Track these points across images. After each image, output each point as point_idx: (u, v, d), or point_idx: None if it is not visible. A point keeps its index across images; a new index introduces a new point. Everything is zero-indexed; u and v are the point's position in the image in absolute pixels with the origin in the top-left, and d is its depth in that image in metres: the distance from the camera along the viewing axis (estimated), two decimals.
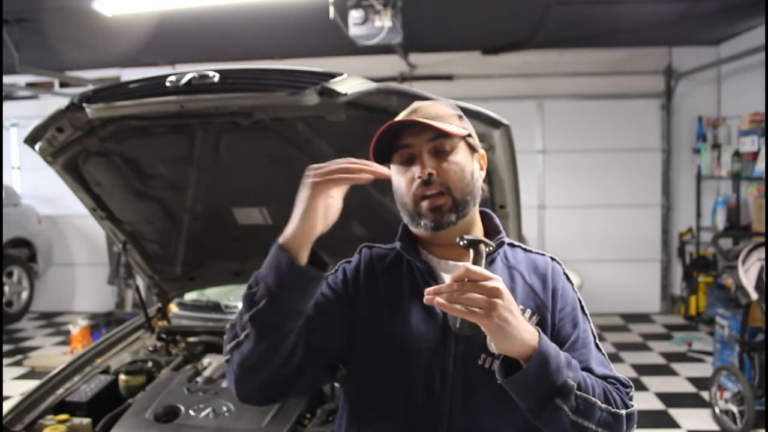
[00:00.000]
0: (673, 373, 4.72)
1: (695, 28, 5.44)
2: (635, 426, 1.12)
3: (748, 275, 3.53)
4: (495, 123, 1.66)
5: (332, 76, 1.57)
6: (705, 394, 4.10)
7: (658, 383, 4.48)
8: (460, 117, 1.23)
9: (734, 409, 3.51)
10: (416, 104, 1.22)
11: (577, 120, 6.42)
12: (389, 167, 1.20)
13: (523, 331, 1.00)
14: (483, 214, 1.28)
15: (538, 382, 1.01)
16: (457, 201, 1.16)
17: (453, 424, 1.13)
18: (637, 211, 6.47)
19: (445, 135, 1.16)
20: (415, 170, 1.15)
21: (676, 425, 3.80)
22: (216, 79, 1.57)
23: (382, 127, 1.15)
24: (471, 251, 1.07)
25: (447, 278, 1.17)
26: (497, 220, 1.28)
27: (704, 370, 4.60)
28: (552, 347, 1.04)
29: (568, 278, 1.26)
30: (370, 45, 4.13)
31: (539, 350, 1.01)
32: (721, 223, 5.66)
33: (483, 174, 1.24)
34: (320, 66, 1.66)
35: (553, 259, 1.28)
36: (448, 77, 6.45)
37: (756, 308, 3.52)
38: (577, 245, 6.35)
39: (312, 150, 1.93)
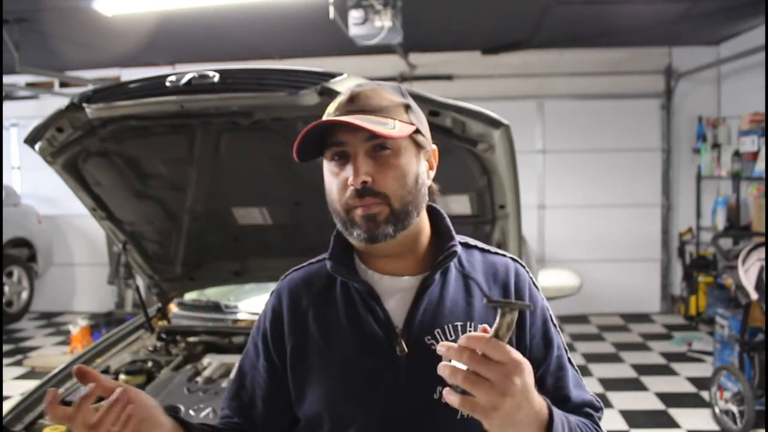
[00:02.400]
0: (673, 373, 4.72)
1: (695, 28, 5.44)
2: None
3: (748, 275, 3.53)
4: (495, 123, 1.66)
5: (332, 76, 1.57)
6: (705, 394, 4.10)
7: (658, 383, 4.47)
8: (407, 107, 1.02)
9: (734, 409, 3.51)
10: (355, 89, 1.01)
11: (577, 120, 6.42)
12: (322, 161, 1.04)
13: (530, 423, 0.82)
14: (432, 213, 1.09)
15: None
16: (395, 211, 0.97)
17: None
18: (637, 211, 6.47)
19: None
20: (348, 172, 0.97)
21: (676, 425, 3.80)
22: (216, 79, 1.58)
23: (309, 125, 0.96)
24: (497, 315, 0.79)
25: (390, 300, 1.03)
26: (448, 222, 1.08)
27: (704, 370, 4.60)
28: (559, 422, 0.87)
29: (534, 283, 1.10)
30: (370, 45, 4.12)
31: None
32: (721, 223, 5.66)
33: (433, 173, 1.07)
34: (320, 66, 1.67)
35: (514, 260, 1.11)
36: (448, 77, 6.45)
37: (756, 308, 3.52)
38: (577, 245, 6.34)
39: None
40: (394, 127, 0.96)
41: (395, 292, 1.04)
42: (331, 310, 1.05)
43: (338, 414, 1.01)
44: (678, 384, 4.48)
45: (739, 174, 5.32)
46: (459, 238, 1.09)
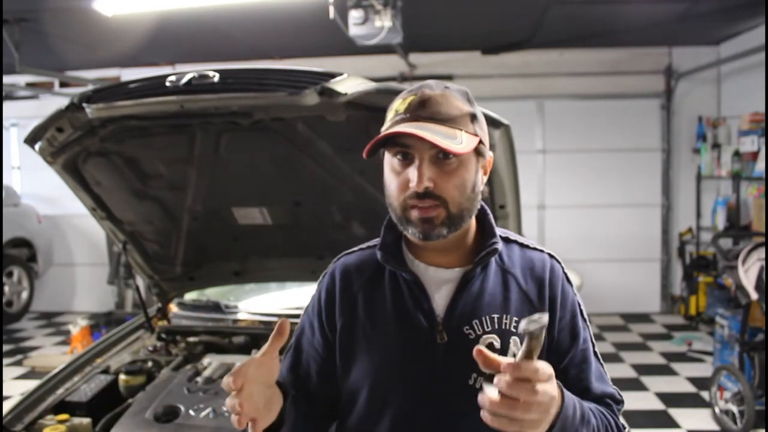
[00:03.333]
0: (673, 373, 4.72)
1: (695, 28, 5.44)
2: None
3: (748, 275, 3.53)
4: (495, 123, 1.66)
5: (332, 76, 1.58)
6: (705, 394, 4.10)
7: (658, 383, 4.47)
8: (474, 117, 1.06)
9: (734, 409, 3.51)
10: (425, 92, 1.04)
11: (577, 120, 6.42)
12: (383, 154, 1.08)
13: (550, 415, 0.89)
14: (478, 209, 1.15)
15: None
16: (452, 215, 1.04)
17: None
18: (637, 211, 6.47)
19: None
20: (411, 175, 1.01)
21: (676, 425, 3.80)
22: (216, 79, 1.58)
23: (385, 131, 1.02)
24: (525, 338, 0.85)
25: (434, 291, 1.10)
26: (491, 219, 1.15)
27: (704, 370, 4.60)
28: (571, 407, 0.94)
29: (567, 279, 1.16)
30: (370, 45, 4.12)
31: (561, 417, 0.91)
32: (721, 223, 5.66)
33: (485, 179, 1.11)
34: (320, 66, 1.67)
35: (551, 256, 1.17)
36: (448, 77, 6.43)
37: (756, 308, 3.52)
38: (577, 245, 6.34)
39: (312, 150, 1.93)
40: (461, 142, 1.01)
41: (440, 283, 1.11)
42: (379, 296, 1.12)
43: (377, 391, 1.09)
44: (678, 384, 4.48)
45: (739, 174, 5.32)
46: (499, 231, 1.16)
